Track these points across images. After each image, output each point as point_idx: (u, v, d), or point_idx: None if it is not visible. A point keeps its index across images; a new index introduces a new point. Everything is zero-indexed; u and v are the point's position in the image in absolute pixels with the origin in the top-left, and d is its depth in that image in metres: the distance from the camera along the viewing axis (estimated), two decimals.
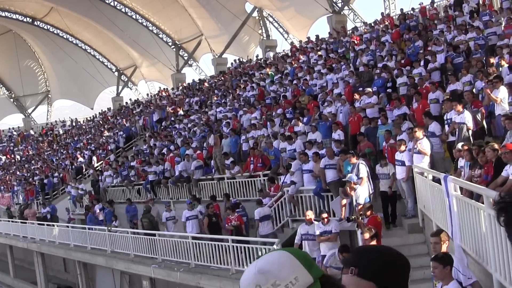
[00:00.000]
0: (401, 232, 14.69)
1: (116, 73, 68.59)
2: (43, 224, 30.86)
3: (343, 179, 15.71)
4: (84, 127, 56.15)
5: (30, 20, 64.31)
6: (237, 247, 16.98)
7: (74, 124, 61.50)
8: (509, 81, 15.67)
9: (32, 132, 66.62)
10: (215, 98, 35.64)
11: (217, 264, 17.79)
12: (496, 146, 11.06)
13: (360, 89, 22.17)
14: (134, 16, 59.58)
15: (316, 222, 14.54)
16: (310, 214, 14.78)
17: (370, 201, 14.28)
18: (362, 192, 14.27)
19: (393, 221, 15.14)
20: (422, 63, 21.41)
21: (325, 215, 14.25)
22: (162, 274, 20.22)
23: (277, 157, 20.90)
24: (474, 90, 16.92)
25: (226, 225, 18.86)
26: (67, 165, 41.53)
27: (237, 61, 47.59)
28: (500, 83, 14.76)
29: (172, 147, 29.37)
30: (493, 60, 17.76)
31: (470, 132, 14.42)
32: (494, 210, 1.54)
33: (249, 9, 54.03)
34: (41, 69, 73.64)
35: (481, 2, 25.89)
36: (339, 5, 45.07)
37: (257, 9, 53.92)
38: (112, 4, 58.07)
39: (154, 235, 21.29)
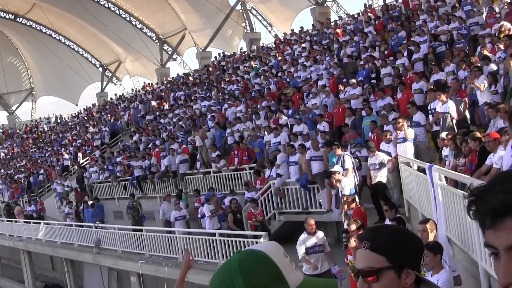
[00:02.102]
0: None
1: (100, 69, 68.15)
2: (29, 222, 30.67)
3: (329, 170, 15.70)
4: (69, 123, 55.83)
5: (13, 16, 63.66)
6: (225, 241, 17.00)
7: (58, 120, 61.06)
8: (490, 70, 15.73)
9: (18, 130, 66.06)
10: (200, 91, 35.54)
11: (205, 258, 17.81)
12: (477, 135, 11.10)
13: (345, 80, 22.19)
14: (117, 11, 59.14)
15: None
16: (312, 223, 12.20)
17: (356, 192, 14.28)
18: (348, 183, 14.26)
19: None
20: (405, 53, 21.46)
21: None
22: (150, 269, 20.19)
23: (262, 150, 20.89)
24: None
25: (249, 220, 18.01)
26: (53, 162, 41.30)
27: (221, 55, 47.44)
28: (480, 73, 14.88)
29: (157, 142, 29.25)
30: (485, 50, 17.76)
31: (454, 121, 14.51)
32: (465, 204, 1.54)
33: (232, 2, 53.93)
34: (25, 66, 72.99)
35: None
36: None
37: (240, 2, 53.75)
38: None
39: (141, 230, 21.23)
